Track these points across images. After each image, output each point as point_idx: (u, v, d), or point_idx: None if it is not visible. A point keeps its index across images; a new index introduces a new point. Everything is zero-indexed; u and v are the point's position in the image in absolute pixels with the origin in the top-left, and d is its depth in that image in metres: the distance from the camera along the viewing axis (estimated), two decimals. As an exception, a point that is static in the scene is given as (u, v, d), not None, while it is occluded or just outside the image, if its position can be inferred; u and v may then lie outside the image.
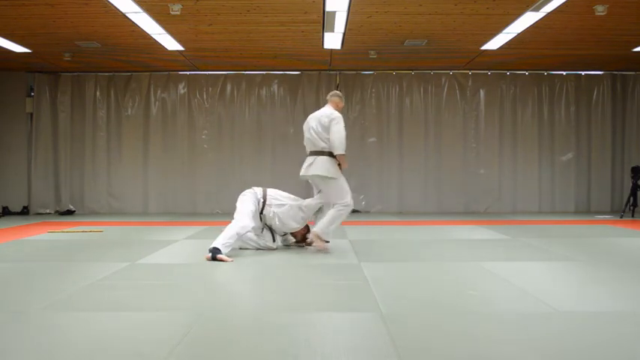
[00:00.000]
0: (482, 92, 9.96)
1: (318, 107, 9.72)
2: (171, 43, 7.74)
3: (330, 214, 5.08)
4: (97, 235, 6.51)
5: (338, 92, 5.43)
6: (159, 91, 9.95)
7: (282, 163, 9.76)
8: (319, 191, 5.29)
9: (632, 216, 8.70)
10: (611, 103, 9.96)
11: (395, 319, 2.82)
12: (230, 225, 4.86)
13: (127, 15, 6.39)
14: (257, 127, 9.95)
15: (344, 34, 7.23)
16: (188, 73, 9.91)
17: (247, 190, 5.29)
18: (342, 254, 5.02)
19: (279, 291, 3.65)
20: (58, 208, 9.88)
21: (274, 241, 5.31)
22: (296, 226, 5.26)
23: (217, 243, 4.63)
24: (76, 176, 9.94)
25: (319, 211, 5.33)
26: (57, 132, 9.92)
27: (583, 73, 9.94)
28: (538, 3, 6.03)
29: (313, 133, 5.14)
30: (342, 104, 5.36)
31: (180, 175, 9.93)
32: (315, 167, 5.07)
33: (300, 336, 2.56)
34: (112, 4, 6.01)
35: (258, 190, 5.26)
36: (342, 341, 2.53)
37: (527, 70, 9.86)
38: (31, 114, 9.83)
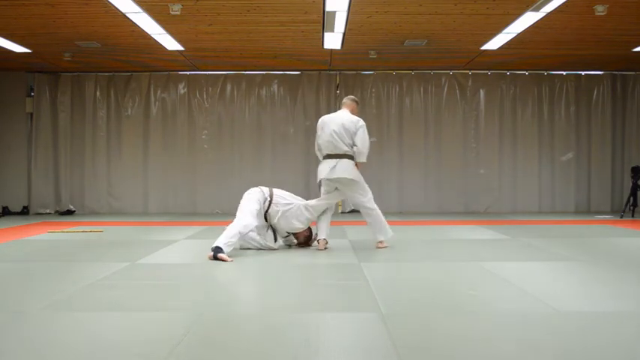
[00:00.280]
0: (482, 92, 9.95)
1: (319, 107, 9.92)
2: (171, 43, 7.74)
3: (370, 222, 5.32)
4: (97, 235, 6.51)
5: (353, 97, 5.59)
6: (159, 91, 9.95)
7: (282, 163, 9.77)
8: (327, 192, 5.34)
9: (632, 216, 8.70)
10: (611, 103, 9.96)
11: (395, 319, 2.81)
12: (232, 224, 4.84)
13: (127, 15, 6.39)
14: (257, 127, 9.95)
15: (344, 34, 7.23)
16: (188, 73, 9.91)
17: (254, 189, 5.29)
18: (342, 254, 5.02)
19: (279, 291, 3.65)
20: (58, 208, 9.88)
21: (276, 241, 5.31)
22: (300, 226, 5.27)
23: (219, 242, 4.62)
24: (76, 176, 9.94)
25: (322, 213, 5.35)
26: (57, 132, 9.92)
27: (583, 73, 9.94)
28: (538, 3, 6.03)
29: (335, 137, 5.18)
30: (356, 107, 5.49)
31: (180, 175, 9.92)
32: (341, 170, 5.17)
33: (300, 336, 2.56)
34: (112, 4, 6.00)
35: (265, 190, 5.27)
36: (342, 341, 2.53)
37: (527, 70, 9.86)
38: (31, 114, 9.83)
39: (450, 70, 9.85)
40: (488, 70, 9.84)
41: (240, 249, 5.10)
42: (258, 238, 5.18)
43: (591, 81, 9.97)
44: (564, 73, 9.93)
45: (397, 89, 9.94)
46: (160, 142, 9.95)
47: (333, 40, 7.59)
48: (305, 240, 5.43)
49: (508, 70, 9.84)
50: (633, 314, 2.94)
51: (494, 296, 3.39)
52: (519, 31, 7.16)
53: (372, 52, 8.44)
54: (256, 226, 5.06)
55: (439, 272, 4.18)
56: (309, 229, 5.40)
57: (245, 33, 7.37)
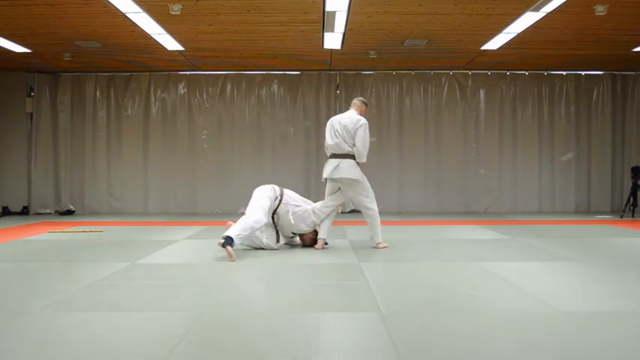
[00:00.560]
0: (482, 92, 9.96)
1: (319, 107, 9.93)
2: (171, 43, 7.74)
3: (370, 223, 5.33)
4: (97, 235, 6.51)
5: (362, 98, 5.60)
6: (159, 91, 9.96)
7: (282, 162, 9.77)
8: (334, 193, 5.36)
9: (632, 216, 8.70)
10: (611, 103, 9.96)
11: (395, 319, 2.81)
12: (244, 217, 4.87)
13: (127, 15, 6.39)
14: (257, 126, 9.95)
15: (344, 34, 7.23)
16: (188, 73, 9.91)
17: (266, 185, 5.33)
18: (342, 254, 5.02)
19: (279, 291, 3.65)
20: (58, 208, 9.88)
21: (278, 241, 5.32)
22: (306, 229, 5.31)
23: (231, 232, 4.66)
24: (76, 176, 9.95)
25: (327, 217, 5.37)
26: (57, 132, 9.92)
27: (583, 73, 9.94)
28: (538, 3, 6.03)
29: (338, 137, 5.21)
30: (364, 109, 5.50)
31: (180, 175, 9.93)
32: (342, 170, 5.20)
33: (300, 336, 2.56)
34: (112, 4, 6.00)
35: (277, 188, 5.30)
36: (342, 341, 2.53)
37: (527, 70, 9.86)
38: (31, 114, 9.83)
39: (450, 70, 9.85)
40: (488, 70, 9.84)
41: (241, 248, 5.10)
42: (261, 236, 5.19)
43: (591, 81, 9.97)
44: (564, 73, 9.93)
45: (397, 89, 9.94)
46: (160, 142, 9.95)
47: (333, 40, 7.59)
48: (311, 243, 5.45)
49: (508, 70, 9.84)
50: (633, 314, 2.94)
51: (494, 296, 3.39)
52: (519, 31, 7.16)
53: (372, 52, 8.44)
54: (265, 224, 5.07)
55: (439, 272, 4.18)
56: (315, 231, 5.42)
57: (245, 33, 7.37)
